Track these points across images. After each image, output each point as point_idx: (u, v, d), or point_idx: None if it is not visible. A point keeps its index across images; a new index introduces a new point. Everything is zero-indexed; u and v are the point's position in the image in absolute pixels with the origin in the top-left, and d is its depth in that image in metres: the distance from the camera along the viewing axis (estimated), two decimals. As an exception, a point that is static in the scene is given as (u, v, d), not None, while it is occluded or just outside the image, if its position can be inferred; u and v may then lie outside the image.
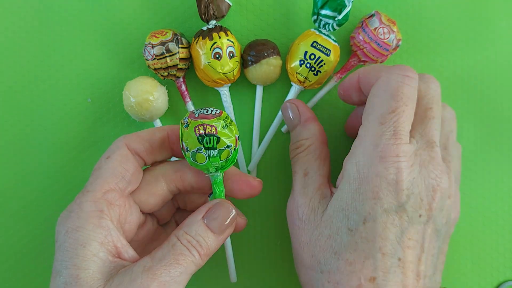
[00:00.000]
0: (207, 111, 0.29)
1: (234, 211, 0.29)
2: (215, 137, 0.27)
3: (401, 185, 0.27)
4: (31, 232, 0.38)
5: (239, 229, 0.32)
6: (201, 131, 0.27)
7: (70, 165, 0.39)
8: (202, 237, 0.27)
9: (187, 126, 0.28)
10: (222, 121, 0.28)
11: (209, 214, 0.28)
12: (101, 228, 0.26)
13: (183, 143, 0.28)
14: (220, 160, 0.28)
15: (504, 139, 0.40)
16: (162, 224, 0.34)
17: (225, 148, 0.28)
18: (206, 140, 0.27)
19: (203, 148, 0.28)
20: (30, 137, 0.39)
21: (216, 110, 0.29)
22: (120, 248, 0.27)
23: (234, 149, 0.29)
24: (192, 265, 0.27)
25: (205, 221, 0.28)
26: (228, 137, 0.28)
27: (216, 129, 0.28)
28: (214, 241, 0.28)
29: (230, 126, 0.29)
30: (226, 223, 0.28)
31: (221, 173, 0.30)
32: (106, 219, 0.27)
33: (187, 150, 0.28)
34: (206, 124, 0.28)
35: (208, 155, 0.28)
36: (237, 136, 0.29)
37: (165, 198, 0.31)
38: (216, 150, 0.28)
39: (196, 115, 0.28)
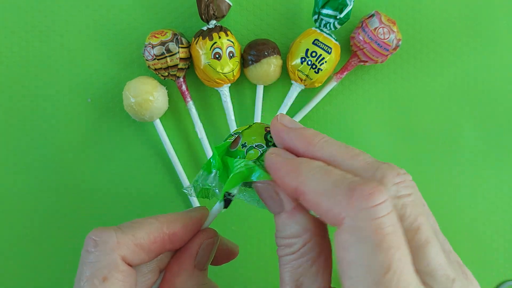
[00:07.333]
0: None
1: (217, 238, 0.27)
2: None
3: None
4: (30, 232, 0.38)
5: (233, 257, 0.30)
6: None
7: (70, 165, 0.38)
8: (203, 286, 0.26)
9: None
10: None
11: (199, 258, 0.26)
12: None
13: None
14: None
15: (505, 139, 0.40)
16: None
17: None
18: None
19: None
20: (30, 137, 0.38)
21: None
22: None
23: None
24: None
25: (196, 267, 0.26)
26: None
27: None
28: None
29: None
30: (215, 255, 0.27)
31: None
32: None
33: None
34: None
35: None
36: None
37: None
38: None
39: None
